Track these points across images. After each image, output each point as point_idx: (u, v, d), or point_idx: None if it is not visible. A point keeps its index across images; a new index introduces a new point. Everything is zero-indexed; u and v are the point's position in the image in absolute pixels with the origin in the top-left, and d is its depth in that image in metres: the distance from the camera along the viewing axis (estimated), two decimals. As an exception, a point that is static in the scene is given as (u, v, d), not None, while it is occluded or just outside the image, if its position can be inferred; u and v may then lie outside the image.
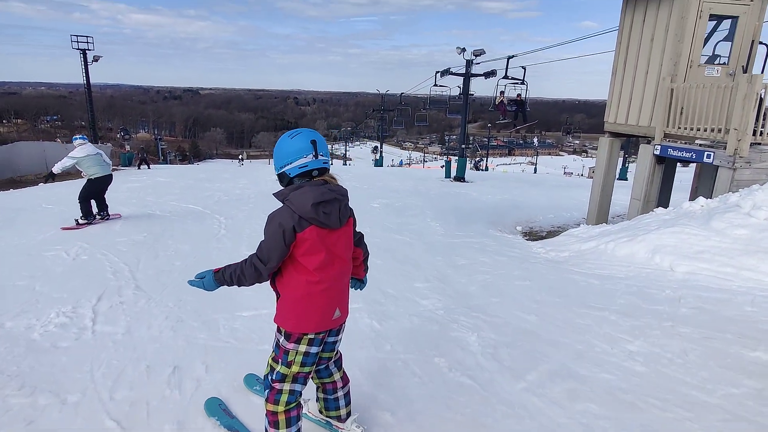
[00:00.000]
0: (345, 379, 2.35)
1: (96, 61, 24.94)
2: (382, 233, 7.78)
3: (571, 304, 4.47)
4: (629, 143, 25.68)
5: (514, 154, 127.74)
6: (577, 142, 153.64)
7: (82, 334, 3.64)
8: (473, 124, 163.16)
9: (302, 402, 2.21)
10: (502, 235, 8.42)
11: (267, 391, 2.08)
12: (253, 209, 9.31)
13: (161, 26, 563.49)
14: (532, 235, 9.00)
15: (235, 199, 10.74)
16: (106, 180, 7.62)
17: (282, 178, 2.02)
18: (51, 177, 7.77)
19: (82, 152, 7.25)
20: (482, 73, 20.70)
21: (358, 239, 2.28)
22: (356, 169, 28.75)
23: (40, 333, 3.64)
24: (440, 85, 24.49)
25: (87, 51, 24.62)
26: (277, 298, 2.04)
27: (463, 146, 21.61)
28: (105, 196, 7.75)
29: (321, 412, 2.41)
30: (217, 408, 2.63)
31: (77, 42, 24.29)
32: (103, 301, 4.34)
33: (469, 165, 22.58)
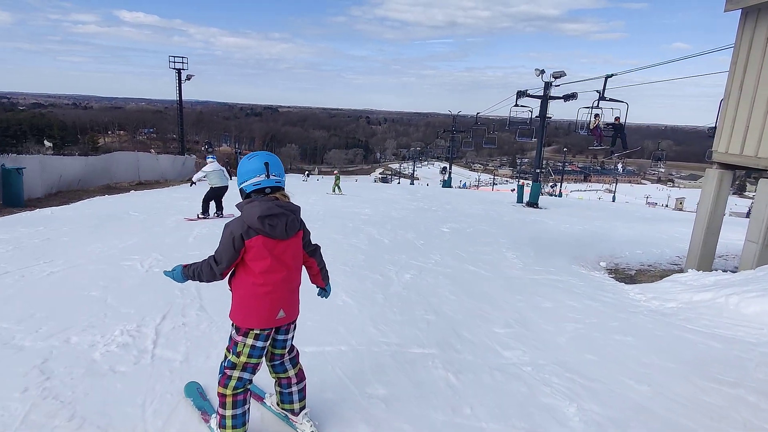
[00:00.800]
0: (300, 376, 2.56)
1: (188, 79, 26.88)
2: (453, 262, 7.24)
3: (691, 374, 3.66)
4: (735, 175, 22.82)
5: (589, 181, 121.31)
6: (662, 170, 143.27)
7: (141, 358, 3.46)
8: (547, 148, 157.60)
9: (268, 395, 2.74)
10: (589, 273, 7.53)
11: (219, 375, 2.34)
12: (322, 228, 9.10)
13: (248, 48, 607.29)
14: (619, 273, 8.01)
15: (305, 216, 10.56)
16: (223, 189, 9.87)
17: (241, 193, 2.30)
18: (191, 183, 11.15)
19: (210, 168, 9.68)
20: (561, 95, 19.62)
21: (312, 251, 2.57)
22: (424, 189, 28.33)
23: (102, 353, 3.51)
24: (521, 105, 23.57)
25: (181, 70, 26.62)
26: (232, 296, 2.33)
27: (538, 170, 20.50)
28: (222, 200, 9.93)
29: (277, 404, 2.63)
30: (194, 390, 2.94)
31: (174, 62, 26.37)
32: (167, 320, 4.19)
33: (544, 190, 21.40)
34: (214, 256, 2.25)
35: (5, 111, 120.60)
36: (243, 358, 2.28)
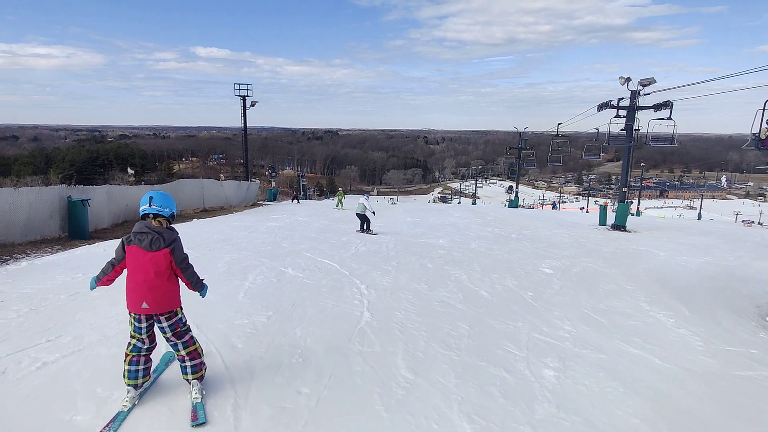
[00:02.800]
0: (191, 356, 3.40)
1: (253, 106, 27.37)
2: (596, 337, 5.13)
3: None
4: None
5: (666, 197, 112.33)
6: (751, 184, 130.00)
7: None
8: (615, 163, 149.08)
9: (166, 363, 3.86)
10: None
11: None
12: (399, 272, 7.86)
13: (311, 75, 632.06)
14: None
15: (374, 251, 9.71)
16: (364, 215, 12.21)
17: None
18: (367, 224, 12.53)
19: (364, 199, 12.45)
20: (651, 105, 17.53)
21: (182, 269, 3.30)
22: (491, 210, 26.58)
23: None
24: (620, 116, 21.55)
25: (246, 97, 27.19)
26: None
27: (624, 189, 18.33)
28: (367, 222, 12.15)
29: (183, 376, 3.47)
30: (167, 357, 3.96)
31: (239, 89, 27.02)
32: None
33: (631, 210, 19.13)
34: (114, 256, 3.25)
35: (96, 143, 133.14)
36: (131, 331, 3.27)
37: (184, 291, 3.37)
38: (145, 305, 3.14)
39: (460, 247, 10.41)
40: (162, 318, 3.24)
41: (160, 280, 3.16)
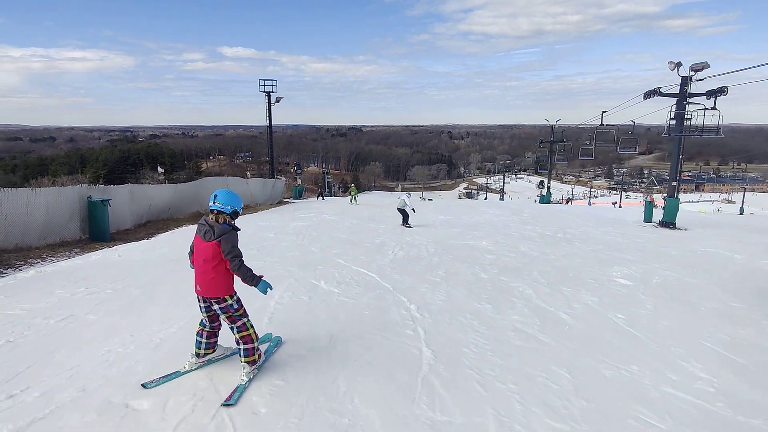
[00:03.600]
0: (243, 340, 3.66)
1: (278, 102, 26.92)
2: (738, 383, 3.95)
3: None
4: None
5: (703, 190, 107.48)
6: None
7: None
8: (647, 156, 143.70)
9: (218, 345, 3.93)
10: None
11: None
12: (449, 282, 6.85)
13: (335, 72, 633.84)
14: None
15: (414, 256, 8.67)
16: (404, 210, 12.73)
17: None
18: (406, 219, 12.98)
19: (406, 196, 13.14)
20: (704, 92, 16.13)
21: (228, 259, 3.49)
22: (523, 205, 25.23)
23: None
24: (607, 124, 20.67)
25: (271, 93, 26.74)
26: None
27: (674, 183, 16.96)
28: (407, 217, 12.70)
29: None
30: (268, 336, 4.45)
31: (264, 86, 26.59)
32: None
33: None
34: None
35: (127, 143, 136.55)
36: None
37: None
38: (198, 287, 3.56)
39: (509, 250, 9.47)
40: (213, 302, 3.58)
41: (208, 267, 3.47)
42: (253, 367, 3.66)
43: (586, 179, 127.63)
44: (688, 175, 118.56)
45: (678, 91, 16.18)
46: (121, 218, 11.06)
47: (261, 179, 22.95)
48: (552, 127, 37.16)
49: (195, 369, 3.74)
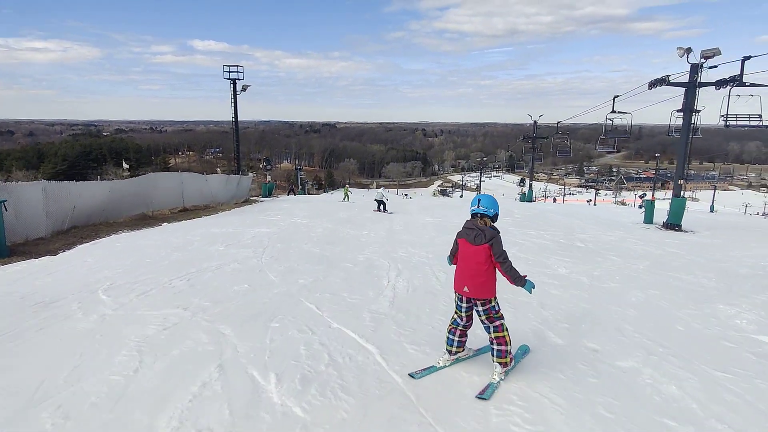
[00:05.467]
0: (498, 341, 3.67)
1: (244, 90, 24.48)
2: None
3: None
4: None
5: (667, 188, 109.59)
6: (752, 174, 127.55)
7: None
8: (616, 155, 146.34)
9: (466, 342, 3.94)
10: None
11: None
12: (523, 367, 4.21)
13: (310, 68, 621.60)
14: None
15: (421, 288, 6.14)
16: (383, 201, 16.54)
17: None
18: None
19: (383, 190, 17.11)
20: (714, 82, 14.79)
21: (500, 262, 3.59)
22: (508, 204, 23.38)
23: None
24: (619, 112, 19.39)
25: (237, 80, 24.25)
26: None
27: (681, 182, 15.54)
28: (384, 206, 16.27)
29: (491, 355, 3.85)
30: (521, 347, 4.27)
31: (229, 72, 24.04)
32: None
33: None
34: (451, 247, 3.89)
35: (90, 137, 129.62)
36: (454, 306, 3.85)
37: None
38: (466, 289, 3.65)
39: (540, 271, 7.25)
40: (478, 302, 3.67)
41: (479, 269, 3.59)
42: (504, 369, 3.70)
43: (558, 177, 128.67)
44: (655, 174, 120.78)
45: (687, 80, 14.79)
46: (32, 224, 8.68)
47: (224, 175, 20.52)
48: (534, 123, 35.96)
49: (448, 365, 3.88)
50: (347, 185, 27.41)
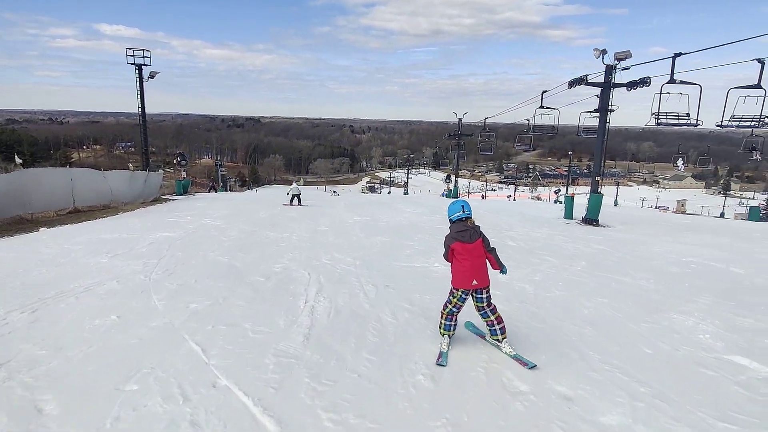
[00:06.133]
0: (498, 320, 4.19)
1: (152, 77, 22.09)
2: None
3: None
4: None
5: (577, 184, 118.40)
6: (646, 171, 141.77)
7: None
8: (532, 153, 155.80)
9: (486, 335, 4.46)
10: None
11: (443, 305, 4.36)
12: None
13: (232, 60, 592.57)
14: None
15: (347, 309, 5.25)
16: (298, 195, 18.27)
17: (450, 221, 4.27)
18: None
19: (297, 183, 19.15)
20: (626, 83, 15.50)
21: (490, 250, 4.17)
22: (433, 200, 23.41)
23: None
24: (547, 107, 19.95)
25: (143, 66, 21.79)
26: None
27: (598, 178, 16.20)
28: (299, 199, 18.20)
29: (491, 337, 4.33)
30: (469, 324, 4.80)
31: (133, 56, 21.53)
32: None
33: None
34: (444, 253, 4.24)
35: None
36: (454, 300, 4.15)
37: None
38: (475, 282, 4.02)
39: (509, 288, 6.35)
40: (483, 291, 4.09)
41: (481, 262, 4.07)
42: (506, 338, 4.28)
43: (480, 173, 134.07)
44: (564, 171, 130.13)
45: (603, 81, 15.38)
46: None
47: (127, 172, 18.29)
48: (459, 120, 36.59)
49: (450, 349, 4.22)
50: (295, 183, 27.22)
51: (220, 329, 4.55)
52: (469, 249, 4.00)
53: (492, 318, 4.15)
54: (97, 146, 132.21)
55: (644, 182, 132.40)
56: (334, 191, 65.93)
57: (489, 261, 4.14)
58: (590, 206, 15.40)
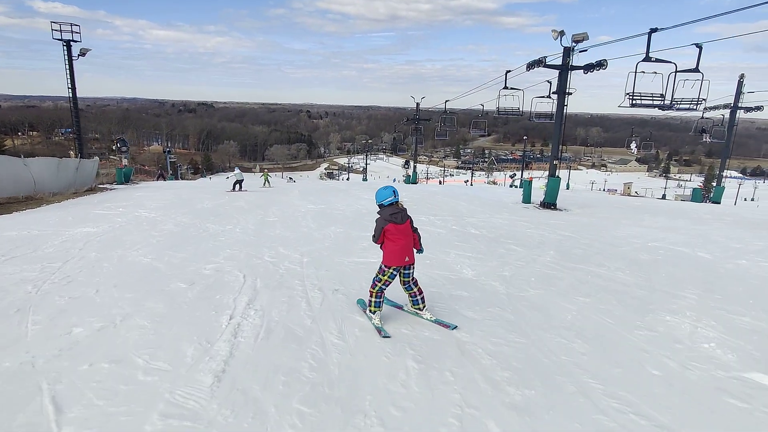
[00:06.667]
0: (419, 291, 4.63)
1: (83, 55, 20.08)
2: None
3: None
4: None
5: (531, 168, 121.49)
6: (595, 156, 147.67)
7: None
8: (487, 138, 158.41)
9: (404, 305, 4.88)
10: None
11: (371, 284, 4.55)
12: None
13: (181, 41, 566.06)
14: None
15: (281, 329, 4.26)
16: (241, 181, 19.16)
17: (380, 205, 4.48)
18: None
19: (239, 170, 20.18)
20: (583, 65, 15.35)
21: (414, 229, 4.54)
22: (398, 187, 22.72)
23: None
24: (512, 88, 19.74)
25: (72, 42, 19.73)
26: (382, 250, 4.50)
27: (555, 162, 16.11)
28: (242, 185, 19.07)
29: (411, 306, 4.72)
30: (360, 302, 5.07)
31: (60, 31, 19.41)
32: None
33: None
34: (374, 234, 4.44)
35: None
36: (384, 278, 4.41)
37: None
38: (407, 258, 4.38)
39: (443, 275, 6.03)
40: (411, 266, 4.48)
41: (410, 240, 4.45)
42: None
43: (437, 159, 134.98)
44: (519, 155, 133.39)
45: (561, 63, 15.16)
46: None
47: (55, 159, 16.55)
48: (417, 105, 36.03)
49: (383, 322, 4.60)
50: (266, 170, 27.86)
51: (100, 369, 3.40)
52: (401, 229, 4.33)
53: (415, 290, 4.59)
54: (34, 132, 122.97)
55: (593, 166, 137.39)
56: (290, 178, 64.06)
57: (414, 240, 4.54)
58: (548, 190, 15.32)
